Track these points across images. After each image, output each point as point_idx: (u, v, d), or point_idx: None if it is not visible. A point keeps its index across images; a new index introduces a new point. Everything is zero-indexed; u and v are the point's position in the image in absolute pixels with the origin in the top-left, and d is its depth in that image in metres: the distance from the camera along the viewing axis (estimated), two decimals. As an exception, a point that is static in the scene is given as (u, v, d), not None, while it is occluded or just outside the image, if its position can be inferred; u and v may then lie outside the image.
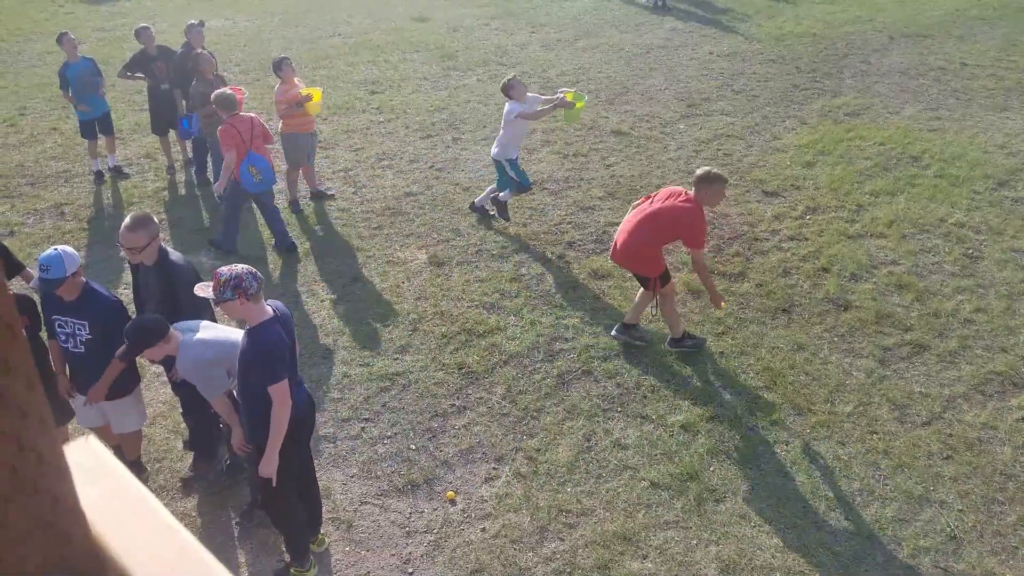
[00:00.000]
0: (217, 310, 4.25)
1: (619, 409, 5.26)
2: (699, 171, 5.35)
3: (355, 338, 5.99)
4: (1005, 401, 5.26)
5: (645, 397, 5.36)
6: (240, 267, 3.56)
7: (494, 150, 7.41)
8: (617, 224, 7.64)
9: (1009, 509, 4.45)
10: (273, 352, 3.49)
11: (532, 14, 16.40)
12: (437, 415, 5.24)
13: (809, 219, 7.67)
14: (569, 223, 7.72)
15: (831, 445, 4.92)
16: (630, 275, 6.81)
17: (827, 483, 4.64)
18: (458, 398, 5.38)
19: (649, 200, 5.59)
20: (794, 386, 5.43)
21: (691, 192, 5.35)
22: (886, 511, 4.44)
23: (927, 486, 4.60)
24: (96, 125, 8.43)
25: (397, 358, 5.78)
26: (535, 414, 5.22)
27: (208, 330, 3.94)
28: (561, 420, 5.17)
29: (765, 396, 5.34)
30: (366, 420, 5.19)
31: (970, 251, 7.02)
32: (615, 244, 5.65)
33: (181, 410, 4.70)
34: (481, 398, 5.38)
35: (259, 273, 3.58)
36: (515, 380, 5.53)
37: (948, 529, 4.32)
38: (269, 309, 3.61)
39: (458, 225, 7.68)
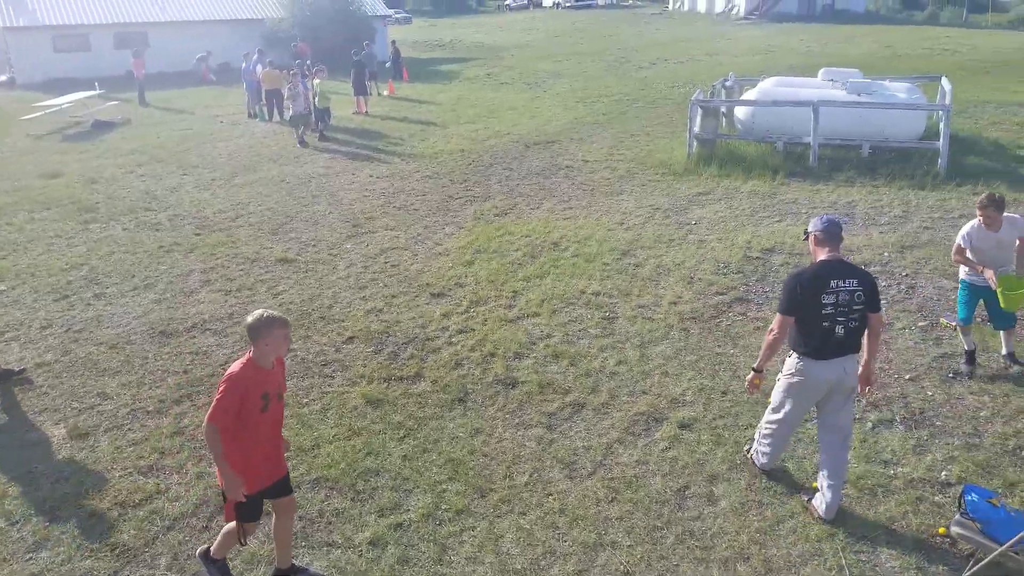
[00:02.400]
0: None
1: (304, 543, 4.93)
2: (248, 319, 4.13)
3: (-27, 548, 4.94)
4: (651, 436, 5.88)
5: (330, 523, 5.10)
6: None
7: None
8: (290, 350, 7.45)
9: (668, 532, 4.90)
10: None
11: (183, 157, 15.93)
12: (88, 610, 4.45)
13: (473, 312, 8.15)
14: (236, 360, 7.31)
15: (514, 518, 5.06)
16: (307, 400, 6.61)
17: (513, 556, 4.74)
18: (113, 583, 4.65)
19: None
20: (475, 470, 5.56)
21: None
22: (567, 567, 4.63)
23: (599, 532, 4.91)
24: None
25: (30, 558, 4.85)
26: (209, 574, 4.68)
27: None
28: (240, 573, 4.69)
29: (449, 487, 5.39)
30: (-10, 643, 4.24)
31: (607, 314, 7.94)
32: None
33: None
34: (143, 575, 4.70)
35: None
36: (182, 545, 4.93)
37: (622, 567, 4.62)
38: None
39: (105, 388, 6.87)
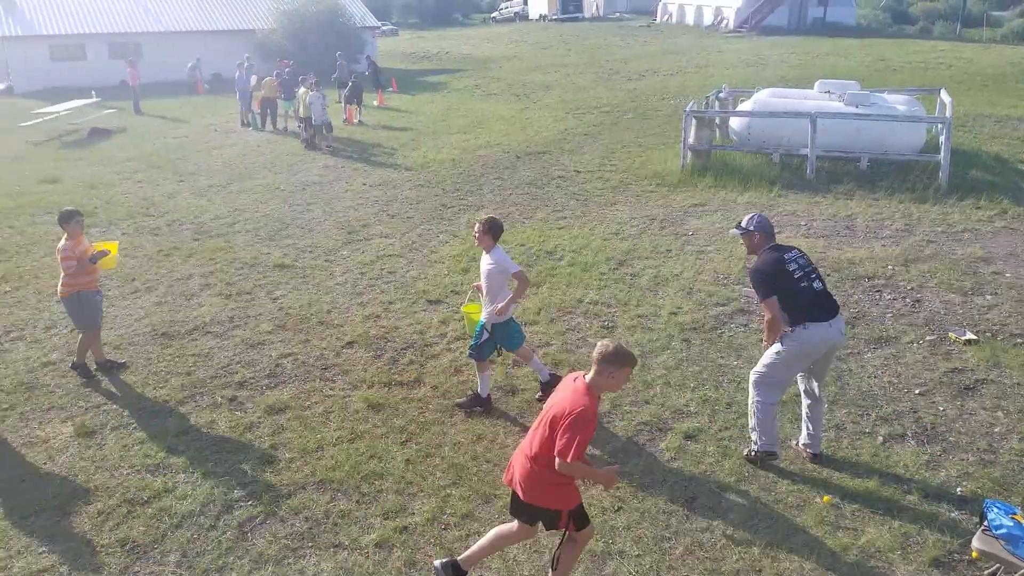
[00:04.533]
0: None
1: (310, 544, 4.96)
2: (617, 346, 3.94)
3: (-21, 545, 4.95)
4: (656, 446, 5.93)
5: (336, 524, 5.13)
6: None
7: None
8: (291, 355, 7.48)
9: (676, 543, 4.91)
10: None
11: (179, 164, 15.94)
12: (97, 608, 4.47)
13: (472, 319, 8.20)
14: (238, 362, 7.35)
15: (519, 523, 5.10)
16: (309, 403, 6.63)
17: (520, 563, 4.78)
18: (122, 581, 4.66)
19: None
20: (479, 476, 5.60)
21: (587, 375, 4.03)
22: (575, 574, 4.67)
23: (607, 540, 4.94)
24: None
25: (43, 552, 4.87)
26: (216, 575, 4.71)
27: None
28: (247, 573, 4.71)
29: (454, 492, 5.43)
30: (-1, 641, 4.25)
31: (606, 323, 8.02)
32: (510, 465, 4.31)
33: None
34: (152, 572, 4.71)
35: None
36: (191, 542, 4.95)
37: None
38: None
39: (110, 387, 6.89)
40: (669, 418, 6.28)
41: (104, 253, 6.84)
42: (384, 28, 47.78)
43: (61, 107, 21.31)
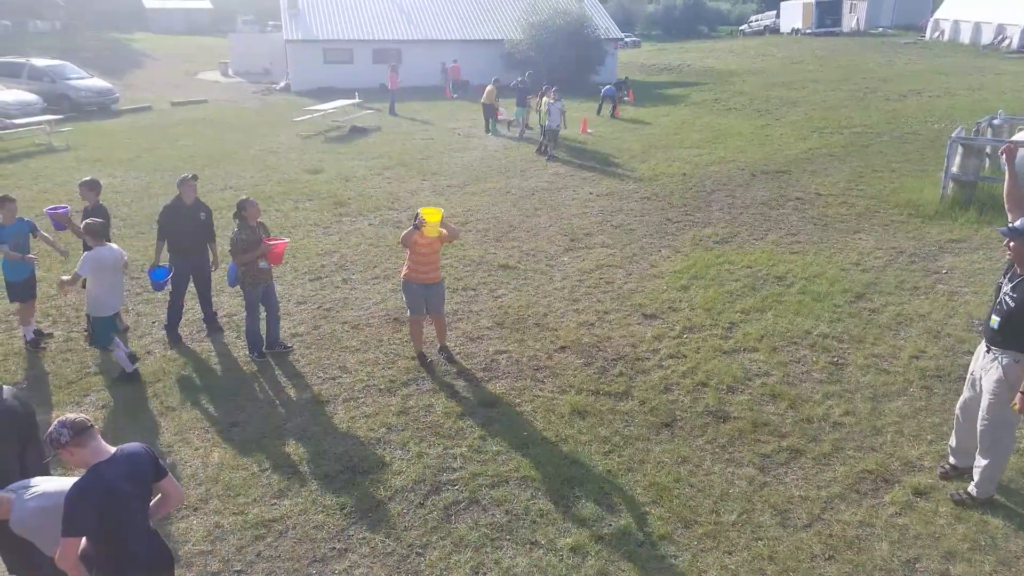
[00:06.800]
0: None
1: (508, 537, 5.11)
2: None
3: (229, 486, 5.67)
4: (879, 498, 5.41)
5: (534, 522, 5.24)
6: (61, 418, 3.45)
7: None
8: (506, 352, 7.77)
9: (892, 604, 4.48)
10: (75, 500, 3.30)
11: (423, 164, 17.17)
12: (316, 560, 4.93)
13: (686, 338, 7.99)
14: (458, 353, 7.76)
15: (718, 555, 4.89)
16: (519, 400, 6.84)
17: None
18: (339, 540, 5.11)
19: None
20: (680, 499, 5.44)
21: None
22: (774, 618, 4.39)
23: (812, 588, 4.60)
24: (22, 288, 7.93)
25: (274, 503, 5.48)
26: (420, 550, 5.00)
27: (47, 483, 3.71)
28: (448, 554, 4.96)
29: (652, 511, 5.32)
30: (238, 572, 4.83)
31: (835, 359, 7.42)
32: None
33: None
34: (364, 538, 5.12)
35: (75, 420, 3.44)
36: (400, 516, 5.31)
37: (836, 631, 4.29)
38: (107, 452, 3.46)
39: (345, 362, 7.59)
40: (898, 470, 5.69)
41: (423, 221, 7.03)
42: (627, 40, 48.05)
43: (328, 105, 23.87)
